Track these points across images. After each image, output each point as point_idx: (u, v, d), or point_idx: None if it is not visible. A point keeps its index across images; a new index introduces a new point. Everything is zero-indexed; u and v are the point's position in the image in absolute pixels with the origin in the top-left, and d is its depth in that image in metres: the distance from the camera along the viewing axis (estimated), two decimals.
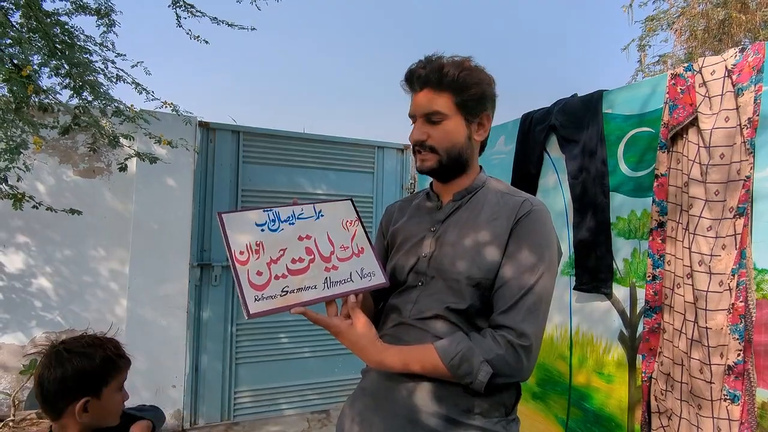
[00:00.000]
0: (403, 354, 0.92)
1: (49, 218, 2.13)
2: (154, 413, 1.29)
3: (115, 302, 2.81)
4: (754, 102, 1.41)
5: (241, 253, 0.91)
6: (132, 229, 2.73)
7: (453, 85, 0.97)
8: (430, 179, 1.13)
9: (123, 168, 2.01)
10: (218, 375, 2.96)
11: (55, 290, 2.71)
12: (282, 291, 0.90)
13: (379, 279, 1.01)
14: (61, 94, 1.99)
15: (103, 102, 2.11)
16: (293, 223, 0.99)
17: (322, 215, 1.03)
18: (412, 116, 1.03)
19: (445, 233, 1.03)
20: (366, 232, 1.07)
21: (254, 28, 2.35)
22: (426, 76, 0.98)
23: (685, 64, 1.64)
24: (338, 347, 3.17)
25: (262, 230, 0.96)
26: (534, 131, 2.22)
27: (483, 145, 1.10)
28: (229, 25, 2.32)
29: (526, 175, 2.23)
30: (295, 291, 0.91)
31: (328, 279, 0.95)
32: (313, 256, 0.97)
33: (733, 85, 1.47)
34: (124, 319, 2.73)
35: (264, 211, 0.98)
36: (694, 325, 1.52)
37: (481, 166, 1.11)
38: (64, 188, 2.68)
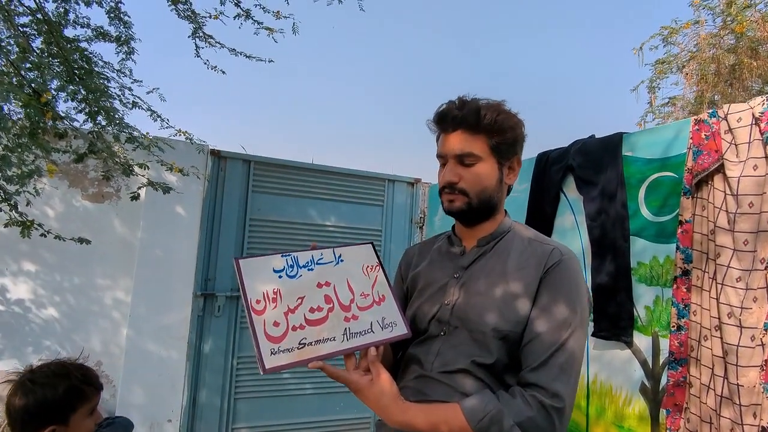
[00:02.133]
0: (428, 413, 0.86)
1: (55, 243, 2.09)
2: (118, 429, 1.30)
3: (116, 332, 2.73)
4: None
5: (258, 302, 0.86)
6: (137, 257, 2.68)
7: (490, 128, 0.95)
8: (446, 220, 1.09)
9: (136, 197, 1.98)
10: (216, 410, 2.84)
11: (56, 317, 2.64)
12: (299, 344, 0.85)
13: (401, 330, 0.95)
14: (77, 120, 1.98)
15: (118, 128, 2.10)
16: (312, 269, 0.94)
17: (342, 260, 0.99)
18: (443, 156, 1.00)
19: (469, 281, 0.98)
20: (387, 278, 1.02)
21: (272, 61, 2.37)
22: (463, 117, 0.95)
23: (710, 110, 1.62)
24: (340, 384, 3.05)
25: (280, 277, 0.91)
26: (550, 171, 2.19)
27: (509, 189, 1.06)
28: (247, 56, 2.33)
29: (542, 215, 2.19)
30: (313, 344, 0.86)
31: (347, 330, 0.89)
32: (332, 305, 0.92)
33: (761, 133, 1.44)
34: (124, 349, 2.65)
35: (282, 256, 0.93)
36: (723, 380, 1.44)
37: (506, 210, 1.07)
38: (72, 213, 2.65)
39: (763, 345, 1.36)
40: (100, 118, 2.14)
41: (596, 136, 2.06)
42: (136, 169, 2.01)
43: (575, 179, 2.05)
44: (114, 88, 2.39)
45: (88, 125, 2.15)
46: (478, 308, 0.93)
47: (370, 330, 0.91)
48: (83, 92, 2.12)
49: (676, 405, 1.59)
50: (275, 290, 0.89)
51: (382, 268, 1.03)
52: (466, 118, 0.95)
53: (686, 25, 4.26)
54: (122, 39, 2.48)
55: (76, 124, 2.01)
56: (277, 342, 0.83)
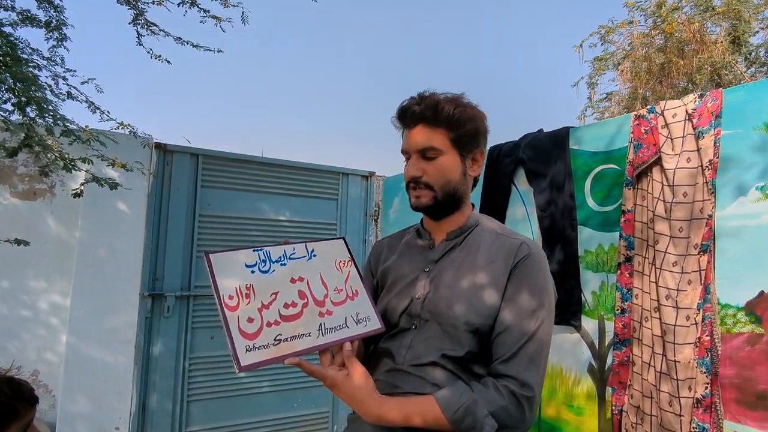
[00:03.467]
0: (403, 406, 0.87)
1: None
2: None
3: (54, 338, 2.55)
4: (714, 145, 1.50)
5: (231, 297, 0.84)
6: (76, 257, 2.51)
7: (448, 121, 0.97)
8: (414, 215, 1.11)
9: (79, 194, 1.85)
10: (168, 415, 2.74)
11: None
12: (275, 340, 0.83)
13: (374, 324, 0.96)
14: (7, 110, 1.82)
15: (52, 120, 1.95)
16: (285, 264, 0.93)
17: (314, 255, 0.98)
18: (406, 152, 1.02)
19: (440, 274, 1.00)
20: (360, 273, 1.02)
21: (221, 51, 2.28)
22: (421, 112, 0.97)
23: (648, 106, 1.73)
24: (297, 380, 3.03)
25: (253, 272, 0.89)
26: (502, 164, 2.26)
27: (475, 182, 1.09)
28: (194, 46, 2.23)
29: (494, 206, 2.26)
30: (289, 339, 0.84)
31: (322, 325, 0.89)
32: (306, 300, 0.90)
33: (694, 128, 1.56)
34: (63, 357, 2.48)
35: (254, 250, 0.91)
36: (662, 358, 1.56)
37: (473, 204, 1.10)
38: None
39: (696, 324, 1.48)
40: (29, 109, 1.98)
41: (544, 130, 2.14)
42: (80, 164, 1.87)
43: (526, 172, 2.13)
44: (45, 77, 2.21)
45: (15, 116, 1.98)
46: (448, 301, 0.95)
47: (344, 325, 0.91)
48: (10, 81, 1.94)
49: (621, 383, 1.71)
50: (248, 285, 0.87)
51: (354, 263, 1.02)
52: (425, 113, 0.97)
53: (621, 25, 4.53)
54: (52, 24, 2.30)
55: (5, 115, 1.84)
56: (252, 338, 0.82)
